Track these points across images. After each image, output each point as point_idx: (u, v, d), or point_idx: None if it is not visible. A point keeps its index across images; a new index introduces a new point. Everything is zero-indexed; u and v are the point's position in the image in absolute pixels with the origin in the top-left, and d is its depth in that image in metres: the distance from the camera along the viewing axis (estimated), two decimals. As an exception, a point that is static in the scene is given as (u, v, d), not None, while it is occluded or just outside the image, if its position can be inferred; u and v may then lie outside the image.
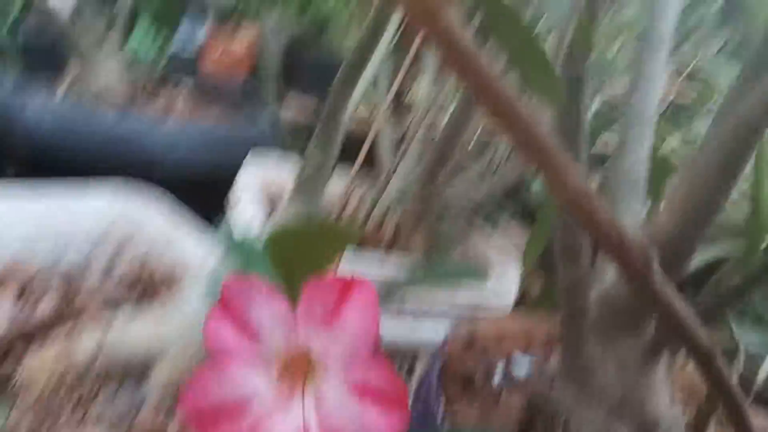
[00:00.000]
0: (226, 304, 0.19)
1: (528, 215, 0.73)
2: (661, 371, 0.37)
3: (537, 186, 0.70)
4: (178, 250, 0.55)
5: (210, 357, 0.19)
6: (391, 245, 0.63)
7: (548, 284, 0.61)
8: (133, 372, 0.42)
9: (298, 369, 0.19)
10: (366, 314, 0.18)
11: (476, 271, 0.34)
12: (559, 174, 0.17)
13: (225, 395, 0.19)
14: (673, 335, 0.35)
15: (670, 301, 0.22)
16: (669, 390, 0.37)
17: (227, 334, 0.19)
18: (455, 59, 0.15)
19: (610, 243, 0.19)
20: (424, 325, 0.58)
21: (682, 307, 0.22)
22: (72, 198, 0.55)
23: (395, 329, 0.58)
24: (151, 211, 0.56)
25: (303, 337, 0.19)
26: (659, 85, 0.40)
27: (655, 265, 0.20)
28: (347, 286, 0.18)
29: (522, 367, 0.46)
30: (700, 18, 0.75)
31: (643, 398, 0.36)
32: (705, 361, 0.25)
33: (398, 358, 0.62)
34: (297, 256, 0.21)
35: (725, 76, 0.74)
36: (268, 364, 0.19)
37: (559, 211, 0.35)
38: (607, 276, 0.38)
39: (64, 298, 0.49)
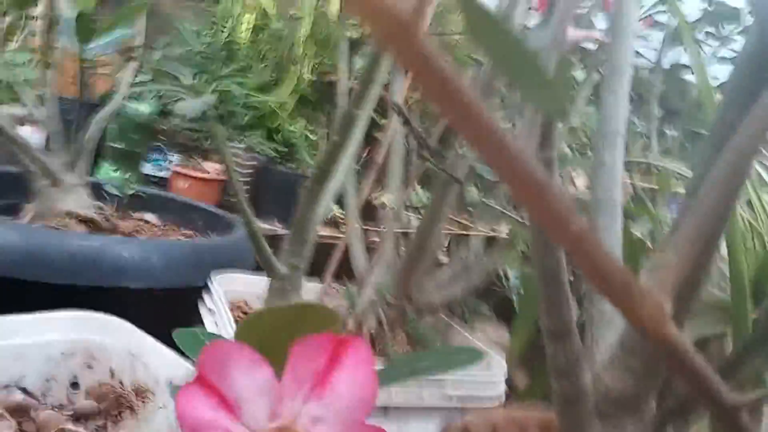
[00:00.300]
0: (203, 376, 0.17)
1: (505, 309, 0.72)
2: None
3: (513, 279, 0.70)
4: (146, 366, 0.52)
5: None
6: (373, 345, 0.61)
7: (535, 375, 0.60)
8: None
9: None
10: (362, 375, 0.16)
11: (469, 353, 0.33)
12: (558, 215, 0.16)
13: None
14: (679, 409, 0.34)
15: (687, 353, 0.20)
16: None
17: (203, 409, 0.16)
18: (430, 82, 0.14)
19: (616, 291, 0.18)
20: (411, 425, 0.55)
21: (699, 360, 0.20)
22: (30, 321, 0.52)
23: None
24: (113, 329, 0.54)
25: (289, 408, 0.17)
26: (620, 175, 0.42)
27: (669, 315, 0.19)
28: (339, 344, 0.16)
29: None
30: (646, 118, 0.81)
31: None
32: (729, 418, 0.23)
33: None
34: (274, 342, 0.19)
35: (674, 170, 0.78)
36: None
37: (542, 296, 0.35)
38: (599, 356, 0.37)
39: (24, 420, 0.45)
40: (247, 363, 0.17)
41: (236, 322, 0.64)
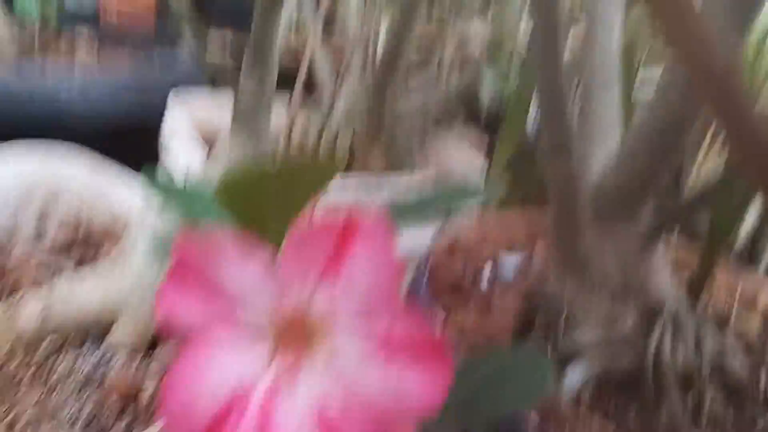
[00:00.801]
0: (183, 268, 0.14)
1: (480, 119, 0.70)
2: (659, 252, 0.35)
3: (488, 87, 0.67)
4: (110, 203, 0.49)
5: (181, 345, 0.14)
6: (349, 167, 0.59)
7: (518, 183, 0.59)
8: (87, 334, 0.37)
9: (297, 337, 0.15)
10: (381, 256, 0.14)
11: (469, 189, 0.30)
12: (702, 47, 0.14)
13: (214, 391, 0.14)
14: (674, 216, 0.34)
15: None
16: (668, 270, 0.36)
17: (192, 309, 0.14)
18: None
19: (743, 124, 0.16)
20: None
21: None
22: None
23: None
24: (73, 167, 0.50)
25: (297, 296, 0.14)
26: (617, 32, 0.38)
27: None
28: (349, 225, 0.14)
29: (509, 267, 0.44)
30: None
31: (645, 281, 0.35)
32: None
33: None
34: (261, 204, 0.16)
35: None
36: (257, 338, 0.14)
37: (543, 107, 0.32)
38: (595, 168, 0.36)
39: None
40: (236, 249, 0.14)
41: (203, 146, 0.60)
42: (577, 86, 0.39)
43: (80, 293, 0.37)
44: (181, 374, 0.13)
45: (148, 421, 0.33)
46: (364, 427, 0.13)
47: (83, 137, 0.63)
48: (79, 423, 0.33)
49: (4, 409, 0.32)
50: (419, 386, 0.13)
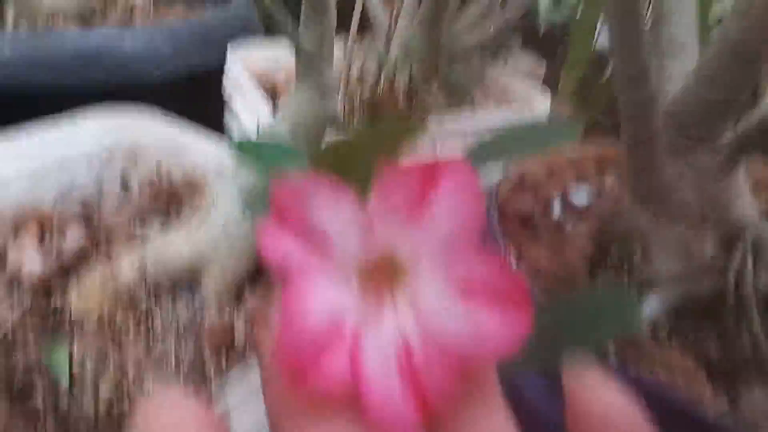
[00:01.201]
0: (281, 213, 0.15)
1: (539, 44, 0.68)
2: (739, 176, 0.34)
3: (544, 13, 0.64)
4: (188, 157, 0.51)
5: (283, 285, 0.15)
6: (410, 102, 0.59)
7: (586, 112, 0.58)
8: (181, 283, 0.40)
9: (382, 276, 0.16)
10: (463, 199, 0.14)
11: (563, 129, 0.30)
12: None
13: (315, 324, 0.15)
14: (756, 139, 0.32)
15: None
16: (749, 193, 0.35)
17: (291, 249, 0.15)
18: None
19: None
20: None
21: None
22: (64, 130, 0.51)
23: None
24: (150, 126, 0.52)
25: (383, 238, 0.15)
26: None
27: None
28: (434, 170, 0.14)
29: (580, 200, 0.43)
30: None
31: (726, 206, 0.34)
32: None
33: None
34: (352, 168, 0.16)
35: None
36: (347, 276, 0.15)
37: (616, 36, 0.31)
38: (672, 90, 0.34)
39: (88, 227, 0.46)
40: (328, 194, 0.15)
41: (267, 98, 0.61)
42: (650, 3, 0.37)
43: (170, 246, 0.40)
44: (284, 308, 0.14)
45: (243, 362, 0.36)
46: (443, 364, 0.14)
47: (148, 91, 0.65)
48: (182, 368, 0.36)
49: (114, 359, 0.35)
50: (498, 329, 0.14)
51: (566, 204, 0.43)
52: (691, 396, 0.30)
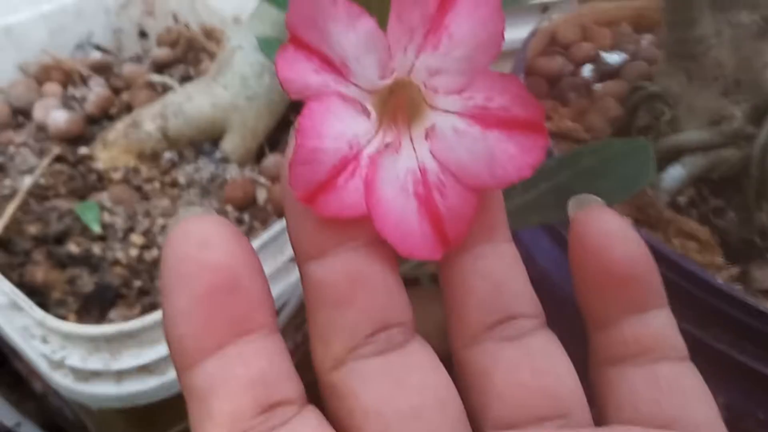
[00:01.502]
0: (297, 36, 0.14)
1: None
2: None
3: None
4: (207, 2, 0.49)
5: (301, 110, 0.15)
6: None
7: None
8: (203, 137, 0.40)
9: (400, 101, 0.15)
10: (482, 18, 0.14)
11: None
12: None
13: (330, 144, 0.15)
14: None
15: None
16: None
17: (308, 73, 0.15)
18: None
19: None
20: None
21: None
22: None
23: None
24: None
25: (402, 61, 0.15)
26: None
27: None
28: None
29: (613, 58, 0.41)
30: None
31: (760, 71, 0.32)
32: None
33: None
34: None
35: None
36: (364, 100, 0.15)
37: None
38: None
39: (108, 77, 0.46)
40: (344, 15, 0.14)
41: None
42: None
43: (191, 101, 0.39)
44: (302, 132, 0.14)
45: (266, 221, 0.37)
46: (459, 190, 0.14)
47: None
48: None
49: (138, 218, 0.36)
50: (515, 154, 0.14)
51: (598, 65, 0.41)
52: (704, 264, 0.30)
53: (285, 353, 0.13)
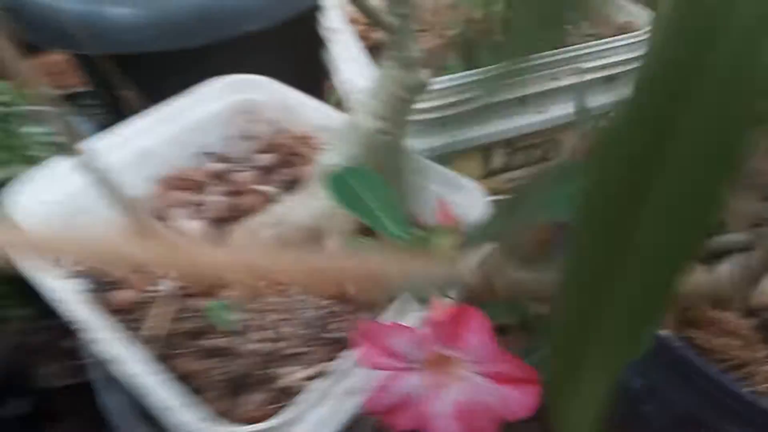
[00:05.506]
0: (370, 343, 0.26)
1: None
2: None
3: None
4: (302, 113, 0.56)
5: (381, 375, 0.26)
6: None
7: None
8: (305, 241, 0.47)
9: (441, 365, 0.26)
10: (483, 334, 0.24)
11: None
12: None
13: (397, 393, 0.26)
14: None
15: None
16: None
17: (381, 361, 0.26)
18: None
19: None
20: (549, 108, 0.58)
21: None
22: (194, 95, 0.57)
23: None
24: (262, 83, 0.57)
25: (439, 347, 0.25)
26: None
27: None
28: (459, 315, 0.24)
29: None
30: None
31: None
32: None
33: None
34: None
35: None
36: (419, 369, 0.26)
37: None
38: None
39: (223, 183, 0.54)
40: (396, 330, 0.25)
41: (360, 38, 0.64)
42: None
43: (293, 211, 0.47)
44: (379, 389, 0.26)
45: (358, 312, 0.44)
46: (482, 418, 0.25)
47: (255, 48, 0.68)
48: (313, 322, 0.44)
49: (258, 309, 0.44)
50: (518, 399, 0.25)
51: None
52: (745, 360, 0.34)
53: None
